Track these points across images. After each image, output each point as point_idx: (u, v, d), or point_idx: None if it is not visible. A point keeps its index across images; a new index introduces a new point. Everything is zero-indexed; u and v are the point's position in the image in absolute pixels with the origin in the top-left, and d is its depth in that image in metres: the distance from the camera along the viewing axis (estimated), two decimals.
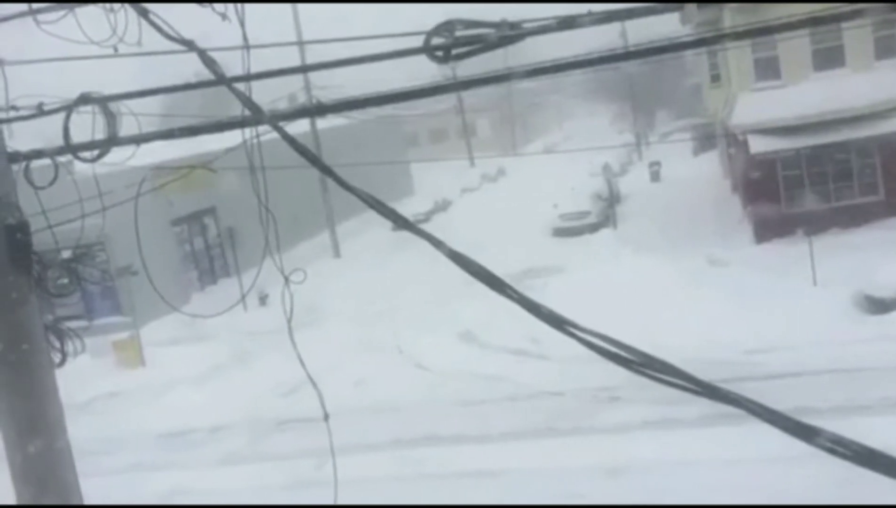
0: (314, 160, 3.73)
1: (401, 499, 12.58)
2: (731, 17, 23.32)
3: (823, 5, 3.72)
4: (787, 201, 24.13)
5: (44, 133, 4.69)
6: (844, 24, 22.22)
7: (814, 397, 12.84)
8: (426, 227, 3.61)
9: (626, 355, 2.80)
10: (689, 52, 34.21)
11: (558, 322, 2.92)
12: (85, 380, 19.40)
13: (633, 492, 11.72)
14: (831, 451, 2.51)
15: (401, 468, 13.62)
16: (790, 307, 17.74)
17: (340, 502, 5.89)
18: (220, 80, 3.73)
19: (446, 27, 3.52)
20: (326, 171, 3.73)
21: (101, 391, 20.30)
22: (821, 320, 17.01)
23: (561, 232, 30.92)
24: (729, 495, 11.06)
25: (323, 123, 34.15)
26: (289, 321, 5.01)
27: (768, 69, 24.52)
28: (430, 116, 65.72)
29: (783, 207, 24.11)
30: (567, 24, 3.58)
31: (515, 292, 3.06)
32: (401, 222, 3.54)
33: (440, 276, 17.77)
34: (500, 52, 3.94)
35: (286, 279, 4.96)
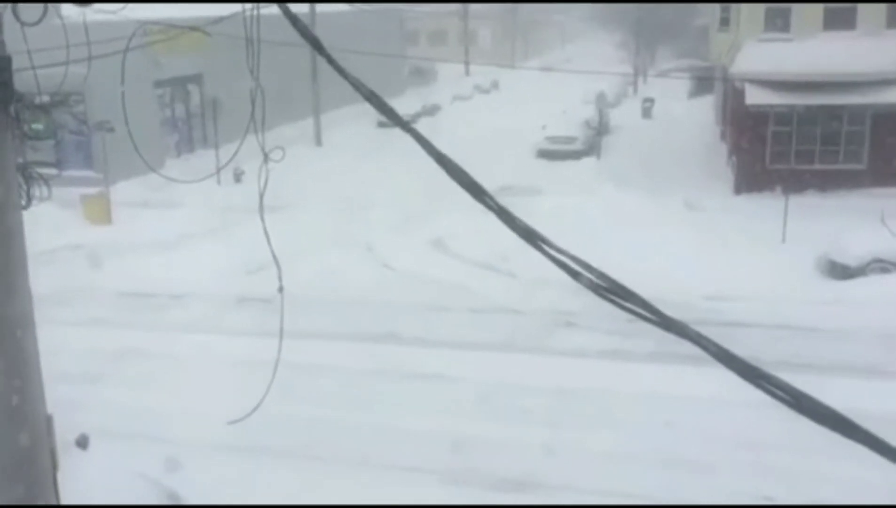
0: (312, 40, 3.65)
1: (355, 392, 12.87)
2: None
3: None
4: (773, 157, 24.19)
5: None
6: None
7: (761, 348, 13.16)
8: None
9: (594, 278, 2.85)
10: None
11: (532, 237, 2.95)
12: (50, 229, 19.28)
13: (577, 413, 12.10)
14: (774, 395, 2.61)
15: (358, 361, 13.87)
16: (755, 261, 18.02)
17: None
18: None
19: None
20: (323, 53, 3.66)
21: (65, 242, 20.21)
22: (783, 277, 17.31)
23: (545, 154, 30.80)
24: (666, 429, 11.47)
25: (322, 6, 33.22)
26: (261, 197, 5.00)
27: (779, 21, 24.22)
28: (433, 16, 64.26)
29: (767, 161, 24.17)
30: None
31: (494, 201, 3.07)
32: (391, 117, 3.51)
33: (419, 179, 17.75)
34: None
35: (265, 156, 4.92)
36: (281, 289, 5.50)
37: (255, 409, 5.74)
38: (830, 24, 23.73)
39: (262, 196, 4.98)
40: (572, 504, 9.94)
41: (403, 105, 38.81)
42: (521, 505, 10.05)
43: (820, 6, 23.63)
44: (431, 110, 42.13)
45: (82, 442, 9.06)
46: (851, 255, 17.53)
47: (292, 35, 4.26)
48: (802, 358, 13.50)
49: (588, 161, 29.72)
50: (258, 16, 4.66)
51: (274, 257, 5.35)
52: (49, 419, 4.45)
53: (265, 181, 4.87)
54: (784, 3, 23.95)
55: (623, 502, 9.88)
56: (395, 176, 25.43)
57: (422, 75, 53.35)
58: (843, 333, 14.80)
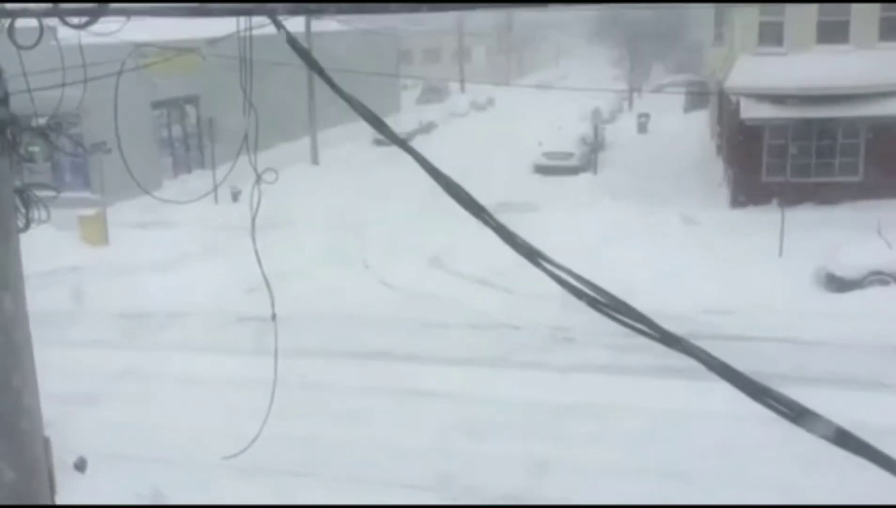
0: (309, 60, 3.67)
1: (353, 409, 12.82)
2: None
3: None
4: (769, 170, 24.23)
5: None
6: None
7: (761, 362, 13.13)
8: None
9: (594, 294, 2.85)
10: (697, 6, 33.77)
11: (531, 254, 2.95)
12: (48, 251, 19.25)
13: (574, 429, 12.05)
14: (775, 409, 2.60)
15: (355, 379, 13.83)
16: (753, 274, 18.01)
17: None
18: None
19: None
20: (319, 71, 3.67)
21: (63, 263, 20.18)
22: (780, 290, 17.30)
23: (542, 170, 30.90)
24: (663, 443, 11.42)
25: (317, 26, 33.38)
26: (253, 218, 5.00)
27: (772, 35, 24.32)
28: (427, 34, 64.58)
29: (763, 175, 24.22)
30: None
31: (493, 219, 3.07)
32: (389, 135, 3.52)
33: (416, 196, 17.74)
34: None
35: (258, 176, 4.93)
36: (274, 317, 5.48)
37: (256, 437, 5.71)
38: (824, 38, 23.85)
39: (253, 218, 4.98)
40: (572, 504, 9.92)
41: (400, 123, 38.91)
42: (521, 506, 10.03)
43: (814, 20, 23.75)
44: (427, 128, 42.26)
45: (80, 465, 9.01)
46: (849, 267, 17.52)
47: (289, 55, 4.27)
48: (803, 371, 13.47)
49: (584, 176, 29.80)
50: (251, 36, 4.68)
51: (266, 282, 5.34)
52: (46, 442, 4.42)
53: (258, 202, 4.88)
54: (778, 1, 23.96)
55: None
56: (392, 193, 25.45)
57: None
58: (843, 346, 14.78)
